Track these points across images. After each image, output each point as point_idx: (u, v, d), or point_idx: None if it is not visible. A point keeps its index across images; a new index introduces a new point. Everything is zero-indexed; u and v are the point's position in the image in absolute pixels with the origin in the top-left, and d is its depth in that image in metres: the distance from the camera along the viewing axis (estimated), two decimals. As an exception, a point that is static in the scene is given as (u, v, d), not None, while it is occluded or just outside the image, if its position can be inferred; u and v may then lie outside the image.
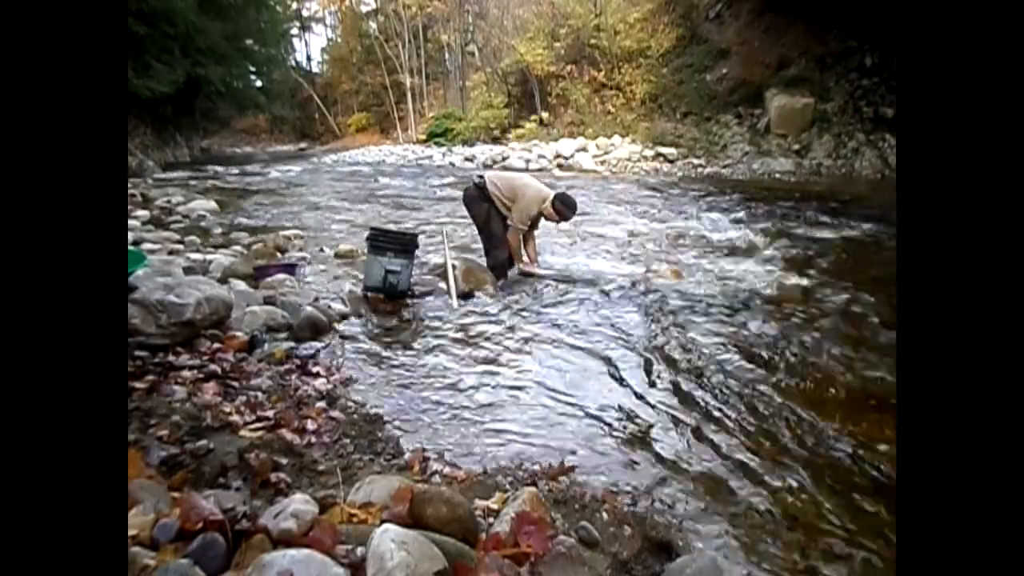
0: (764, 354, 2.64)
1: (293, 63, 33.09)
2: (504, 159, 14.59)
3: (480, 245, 4.17)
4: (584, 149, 14.38)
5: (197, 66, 17.27)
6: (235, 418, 1.77)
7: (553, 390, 2.27)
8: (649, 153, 13.77)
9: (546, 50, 17.74)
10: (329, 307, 3.03)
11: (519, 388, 2.29)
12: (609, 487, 1.62)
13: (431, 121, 22.71)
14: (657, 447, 1.87)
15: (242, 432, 1.70)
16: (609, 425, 2.00)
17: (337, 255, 4.60)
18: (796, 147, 12.56)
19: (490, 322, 3.08)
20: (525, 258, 4.11)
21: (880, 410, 2.11)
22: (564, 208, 3.90)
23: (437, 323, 3.06)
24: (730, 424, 2.03)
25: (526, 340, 2.81)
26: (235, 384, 2.07)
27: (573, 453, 1.81)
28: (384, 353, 2.62)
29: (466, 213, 4.30)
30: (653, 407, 2.15)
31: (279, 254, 4.65)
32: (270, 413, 1.85)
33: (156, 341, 2.25)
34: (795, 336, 2.86)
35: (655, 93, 15.47)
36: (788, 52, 13.56)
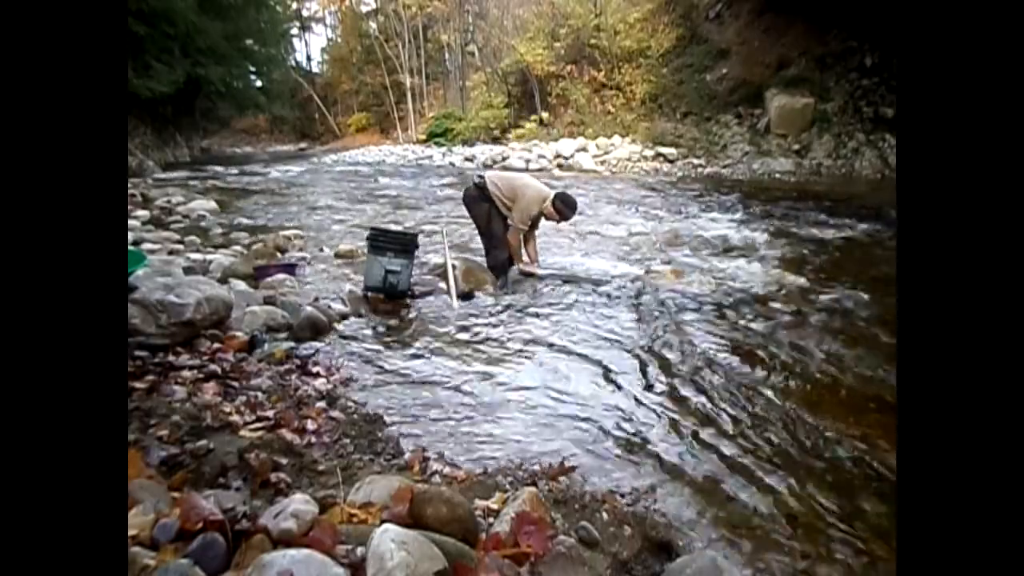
0: (763, 354, 2.64)
1: (293, 63, 33.11)
2: (504, 159, 14.59)
3: (480, 245, 4.17)
4: (584, 149, 14.39)
5: (197, 66, 17.27)
6: (235, 418, 1.77)
7: (553, 390, 2.27)
8: (649, 153, 13.77)
9: (546, 50, 17.75)
10: (329, 307, 3.03)
11: (519, 388, 2.28)
12: (609, 487, 1.62)
13: (431, 121, 22.71)
14: (657, 448, 1.87)
15: (242, 432, 1.70)
16: (609, 426, 2.00)
17: (337, 255, 4.60)
18: (796, 147, 12.57)
19: (490, 322, 3.08)
20: (525, 258, 4.10)
21: (880, 410, 2.11)
22: (564, 208, 3.89)
23: (437, 323, 3.06)
24: (729, 425, 2.03)
25: (526, 340, 2.81)
26: (235, 384, 2.07)
27: (573, 454, 1.80)
28: (384, 353, 2.61)
29: (466, 213, 4.30)
30: (652, 408, 2.15)
31: (279, 254, 4.66)
32: (270, 413, 1.85)
33: (156, 341, 2.26)
34: (794, 336, 2.86)
35: (655, 93, 15.48)
36: (788, 52, 13.56)
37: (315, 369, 2.34)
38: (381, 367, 2.46)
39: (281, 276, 3.60)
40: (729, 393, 2.26)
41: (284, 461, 1.57)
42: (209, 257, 4.22)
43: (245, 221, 6.58)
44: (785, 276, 3.99)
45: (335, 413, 1.96)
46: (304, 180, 12.28)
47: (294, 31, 33.83)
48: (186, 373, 2.08)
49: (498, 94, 19.79)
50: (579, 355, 2.64)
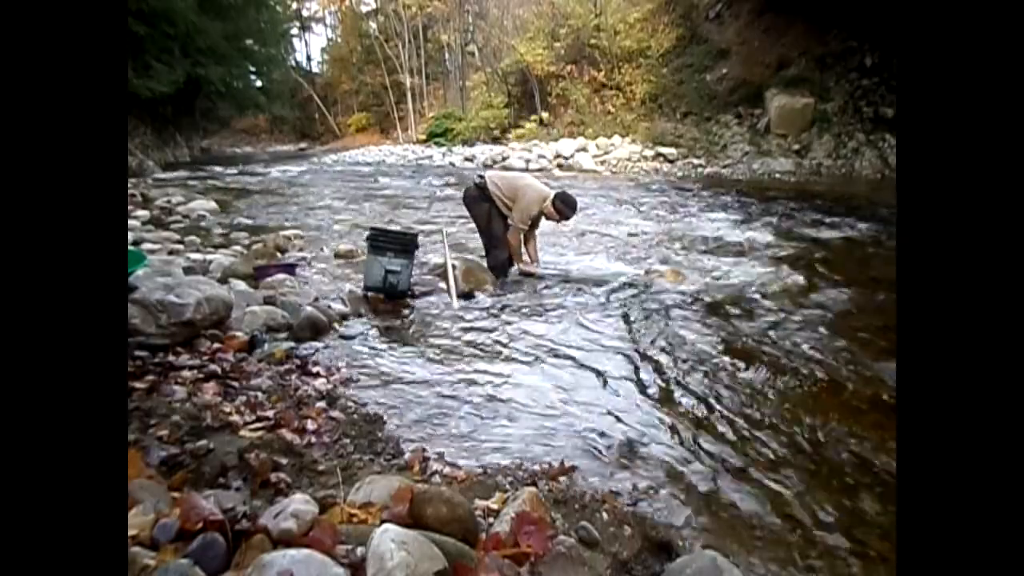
0: (763, 354, 2.64)
1: (293, 63, 33.12)
2: (504, 159, 14.59)
3: (480, 245, 4.17)
4: (584, 149, 14.39)
5: (197, 66, 17.28)
6: (235, 418, 1.77)
7: (553, 390, 2.27)
8: (649, 153, 13.78)
9: (546, 50, 17.75)
10: (329, 307, 3.03)
11: (519, 388, 2.28)
12: (609, 487, 1.62)
13: (431, 121, 22.71)
14: (657, 449, 1.87)
15: (242, 432, 1.70)
16: (609, 426, 2.00)
17: (337, 255, 4.60)
18: (796, 147, 12.57)
19: (490, 323, 3.08)
20: (525, 258, 4.11)
21: (879, 410, 2.11)
22: (565, 207, 3.90)
23: (437, 323, 3.06)
24: (728, 426, 2.03)
25: (526, 340, 2.81)
26: (235, 384, 2.07)
27: (573, 454, 1.80)
28: (384, 353, 2.61)
29: (466, 213, 4.29)
30: (652, 408, 2.15)
31: (279, 254, 4.66)
32: (270, 413, 1.85)
33: (156, 341, 2.26)
34: (794, 336, 2.86)
35: (655, 93, 15.48)
36: (788, 52, 13.57)
37: (315, 369, 2.34)
38: (381, 367, 2.46)
39: (281, 276, 3.60)
40: (728, 393, 2.26)
41: (284, 461, 1.57)
42: (209, 257, 4.22)
43: (245, 221, 6.58)
44: (785, 276, 4.00)
45: (335, 413, 1.96)
46: (304, 180, 12.28)
47: (294, 31, 33.88)
48: (186, 373, 2.08)
49: (498, 94, 19.79)
50: (579, 355, 2.64)
